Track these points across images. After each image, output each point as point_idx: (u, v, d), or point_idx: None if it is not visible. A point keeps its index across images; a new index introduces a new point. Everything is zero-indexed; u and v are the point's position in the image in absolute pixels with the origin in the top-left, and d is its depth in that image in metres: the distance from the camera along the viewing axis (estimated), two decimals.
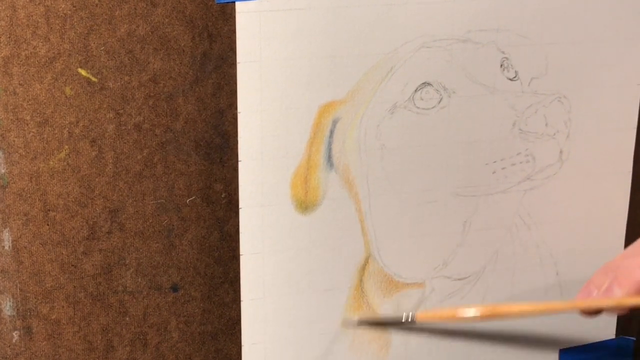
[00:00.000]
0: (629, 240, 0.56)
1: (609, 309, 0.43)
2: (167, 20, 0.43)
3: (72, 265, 0.45)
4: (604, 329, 0.57)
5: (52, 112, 0.43)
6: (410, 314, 0.43)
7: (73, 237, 0.45)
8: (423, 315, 0.43)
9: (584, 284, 0.56)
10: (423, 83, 0.48)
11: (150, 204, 0.45)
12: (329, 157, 0.48)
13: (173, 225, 0.46)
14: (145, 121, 0.44)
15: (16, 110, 0.42)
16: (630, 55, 0.52)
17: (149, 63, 0.44)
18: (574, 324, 0.56)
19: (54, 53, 0.42)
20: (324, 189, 0.48)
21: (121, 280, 0.46)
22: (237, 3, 0.44)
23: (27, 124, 0.43)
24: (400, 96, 0.48)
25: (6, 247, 0.44)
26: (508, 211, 0.52)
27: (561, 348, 0.56)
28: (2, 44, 0.41)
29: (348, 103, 0.47)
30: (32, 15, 0.41)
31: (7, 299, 0.44)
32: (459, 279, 0.52)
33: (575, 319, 0.56)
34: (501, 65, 0.49)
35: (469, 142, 0.50)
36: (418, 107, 0.49)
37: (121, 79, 0.43)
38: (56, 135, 0.43)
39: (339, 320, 0.50)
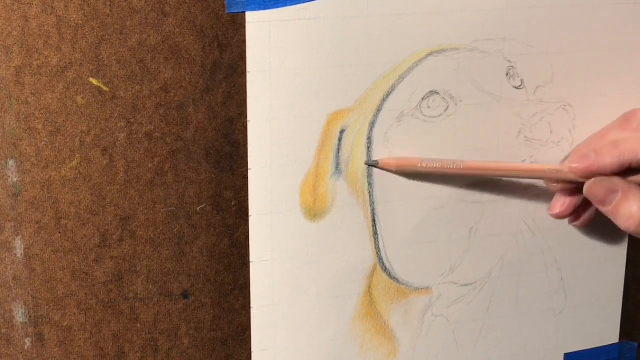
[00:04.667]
0: (631, 246, 0.57)
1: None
2: (177, 30, 0.44)
3: (83, 273, 0.45)
4: (608, 334, 0.57)
5: (63, 121, 0.43)
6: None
7: (84, 245, 0.45)
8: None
9: (588, 288, 0.56)
10: (430, 91, 0.49)
11: (161, 211, 0.46)
12: (337, 165, 0.48)
13: (183, 233, 0.46)
14: (156, 130, 0.45)
15: (28, 119, 0.43)
16: (634, 64, 0.52)
17: (159, 72, 0.44)
18: (579, 329, 0.57)
19: (65, 63, 0.43)
20: (333, 196, 0.48)
21: (132, 287, 0.46)
22: (247, 13, 0.44)
23: (39, 133, 0.43)
24: (407, 104, 0.48)
25: (18, 255, 0.44)
26: (513, 217, 0.53)
27: (565, 352, 0.57)
28: (14, 54, 0.42)
29: (356, 111, 0.48)
30: (43, 26, 0.42)
31: (20, 306, 0.45)
32: (466, 285, 0.53)
33: (579, 324, 0.57)
34: (507, 74, 0.50)
35: (475, 149, 0.50)
36: (425, 115, 0.49)
37: (132, 88, 0.44)
38: (68, 144, 0.44)
39: (347, 327, 0.51)
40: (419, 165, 0.48)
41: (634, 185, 0.47)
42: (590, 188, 0.48)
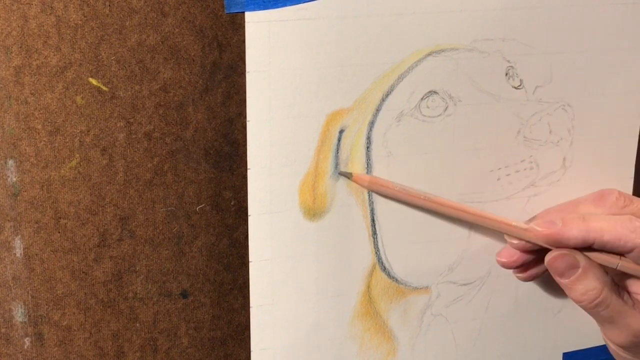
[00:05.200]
0: None
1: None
2: (177, 30, 0.44)
3: (83, 272, 0.45)
4: None
5: (63, 121, 0.43)
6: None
7: (84, 245, 0.45)
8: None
9: None
10: (429, 91, 0.49)
11: (160, 211, 0.46)
12: (337, 165, 0.48)
13: (183, 233, 0.47)
14: (156, 130, 0.45)
15: (27, 119, 0.43)
16: (633, 64, 0.52)
17: (159, 72, 0.44)
18: (578, 328, 0.57)
19: (65, 63, 0.43)
20: (332, 196, 0.48)
21: (131, 286, 0.46)
22: (246, 13, 0.44)
23: (39, 133, 0.43)
24: (406, 104, 0.48)
25: (18, 255, 0.44)
26: (512, 217, 0.53)
27: (564, 351, 0.57)
28: (13, 54, 0.42)
29: (355, 111, 0.48)
30: (43, 26, 0.42)
31: (19, 305, 0.45)
32: (464, 284, 0.53)
33: (578, 323, 0.57)
34: (506, 74, 0.50)
35: (474, 149, 0.50)
36: (424, 115, 0.49)
37: (132, 88, 0.44)
38: (67, 144, 0.44)
39: (347, 326, 0.51)
40: (391, 187, 0.48)
41: (595, 264, 0.47)
42: (553, 260, 0.48)
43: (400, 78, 0.48)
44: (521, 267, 0.51)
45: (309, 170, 0.48)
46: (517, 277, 0.52)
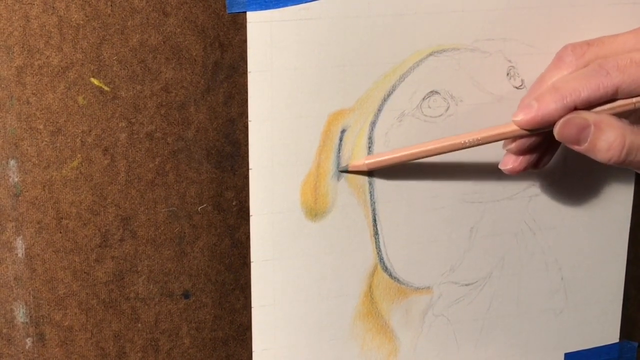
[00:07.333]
0: (632, 245, 0.57)
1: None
2: (179, 30, 0.44)
3: (84, 273, 0.45)
4: (608, 334, 0.58)
5: (65, 121, 0.43)
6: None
7: (86, 245, 0.45)
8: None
9: (588, 288, 0.56)
10: (431, 91, 0.49)
11: (162, 211, 0.46)
12: (339, 165, 0.48)
13: (184, 233, 0.47)
14: (157, 130, 0.45)
15: (29, 119, 0.43)
16: None
17: (160, 72, 0.44)
18: (580, 328, 0.57)
19: (66, 63, 0.43)
20: (334, 196, 0.48)
21: (133, 287, 0.46)
22: (248, 13, 0.44)
23: (40, 133, 0.43)
24: (408, 104, 0.49)
25: (19, 255, 0.44)
26: (514, 217, 0.53)
27: (566, 352, 0.57)
28: (15, 54, 0.42)
29: (357, 111, 0.48)
30: (45, 26, 0.42)
31: (21, 306, 0.45)
32: (466, 285, 0.53)
33: (580, 324, 0.57)
34: (508, 74, 0.50)
35: (475, 149, 0.50)
36: (426, 115, 0.49)
37: (133, 88, 0.44)
38: (69, 144, 0.44)
39: (348, 327, 0.51)
40: (385, 154, 0.47)
41: (605, 115, 0.44)
42: (561, 129, 0.45)
43: (402, 78, 0.48)
44: (535, 162, 0.48)
45: (311, 171, 0.48)
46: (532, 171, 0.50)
